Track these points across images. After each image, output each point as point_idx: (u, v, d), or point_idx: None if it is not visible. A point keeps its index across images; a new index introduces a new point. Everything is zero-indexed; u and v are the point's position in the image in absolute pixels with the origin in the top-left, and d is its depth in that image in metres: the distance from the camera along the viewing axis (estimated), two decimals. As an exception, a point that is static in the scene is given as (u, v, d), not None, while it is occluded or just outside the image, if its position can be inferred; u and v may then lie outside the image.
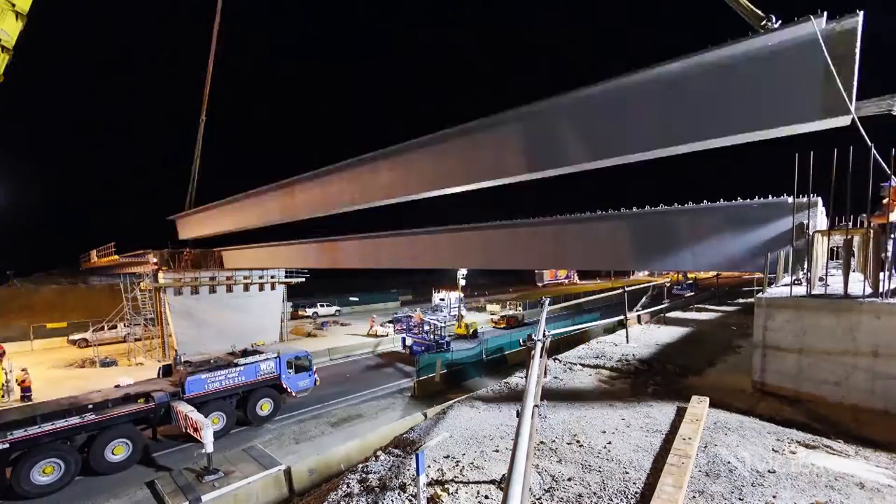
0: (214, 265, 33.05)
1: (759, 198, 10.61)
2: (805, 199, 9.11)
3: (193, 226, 29.11)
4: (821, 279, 9.46)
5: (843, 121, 6.77)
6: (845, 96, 6.47)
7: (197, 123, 32.20)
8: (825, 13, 6.67)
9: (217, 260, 33.28)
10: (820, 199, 10.76)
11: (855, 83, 6.47)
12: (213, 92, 32.17)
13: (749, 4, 8.15)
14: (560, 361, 13.52)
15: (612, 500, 5.49)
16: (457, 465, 6.77)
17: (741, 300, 31.04)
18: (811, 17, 6.80)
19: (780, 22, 7.35)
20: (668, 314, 23.88)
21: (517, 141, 10.43)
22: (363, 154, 14.44)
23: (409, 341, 28.30)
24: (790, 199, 9.36)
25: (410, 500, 5.92)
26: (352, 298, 46.70)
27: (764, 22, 7.57)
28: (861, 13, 6.81)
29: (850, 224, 11.00)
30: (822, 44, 6.57)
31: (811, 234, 9.19)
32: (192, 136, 32.31)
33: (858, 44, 6.46)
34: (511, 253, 15.73)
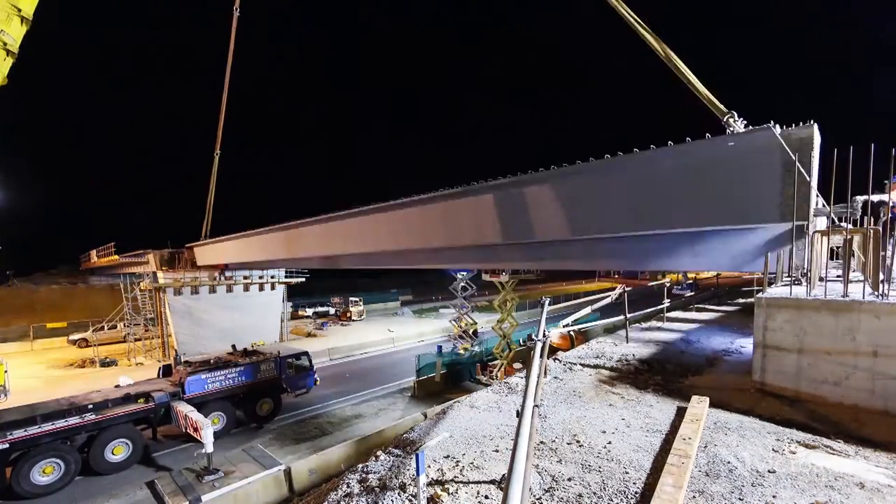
0: (185, 266, 31.87)
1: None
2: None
3: (209, 254, 29.37)
4: (821, 279, 9.46)
5: (803, 222, 7.14)
6: (798, 204, 7.21)
7: (212, 157, 32.71)
8: (780, 125, 7.39)
9: (188, 260, 32.02)
10: (820, 196, 10.72)
11: (814, 188, 6.79)
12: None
13: (714, 100, 8.96)
14: (560, 361, 13.52)
15: (612, 500, 5.49)
16: (457, 465, 6.77)
17: (741, 300, 31.04)
18: (769, 125, 7.31)
19: (743, 122, 8.06)
20: (668, 314, 23.88)
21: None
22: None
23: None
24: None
25: (410, 500, 5.92)
26: (352, 298, 46.75)
27: (727, 117, 8.38)
28: (815, 125, 7.40)
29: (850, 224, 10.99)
30: (780, 147, 7.07)
31: (811, 233, 9.18)
32: (202, 159, 33.00)
33: (816, 151, 6.88)
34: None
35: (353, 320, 42.88)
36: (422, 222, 14.29)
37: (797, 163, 7.16)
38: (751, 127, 8.33)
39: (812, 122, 7.46)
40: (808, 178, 6.96)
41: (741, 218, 8.37)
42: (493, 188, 12.44)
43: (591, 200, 10.54)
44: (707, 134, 8.14)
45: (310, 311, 45.75)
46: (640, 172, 9.37)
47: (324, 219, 17.50)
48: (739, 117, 8.85)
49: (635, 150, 10.92)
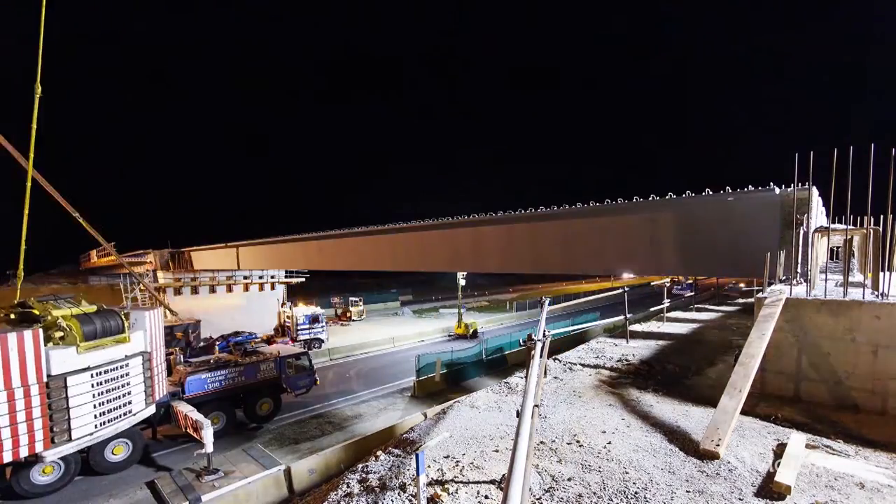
0: (184, 266, 32.29)
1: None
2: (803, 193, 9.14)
3: (206, 260, 30.21)
4: (821, 278, 9.46)
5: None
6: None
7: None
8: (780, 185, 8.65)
9: (188, 261, 32.49)
10: (816, 190, 10.62)
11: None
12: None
13: None
14: (560, 361, 13.52)
15: (612, 500, 5.49)
16: (457, 465, 6.77)
17: (741, 300, 31.05)
18: (772, 185, 8.62)
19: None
20: (668, 314, 23.87)
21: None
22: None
23: None
24: (789, 189, 9.33)
25: (410, 500, 5.92)
26: (352, 298, 46.72)
27: None
28: (814, 188, 8.01)
29: (851, 224, 10.99)
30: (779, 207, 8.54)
31: (811, 233, 9.18)
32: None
33: (815, 207, 7.95)
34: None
35: (353, 320, 42.81)
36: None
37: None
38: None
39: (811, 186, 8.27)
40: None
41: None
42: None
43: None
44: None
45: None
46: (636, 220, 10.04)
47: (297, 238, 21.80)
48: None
49: (636, 198, 11.40)
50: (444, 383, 20.47)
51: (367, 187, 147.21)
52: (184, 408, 13.88)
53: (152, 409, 13.63)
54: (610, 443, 7.13)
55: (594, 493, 5.65)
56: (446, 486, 6.10)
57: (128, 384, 12.59)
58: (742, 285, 40.55)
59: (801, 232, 9.07)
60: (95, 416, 11.72)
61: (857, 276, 10.79)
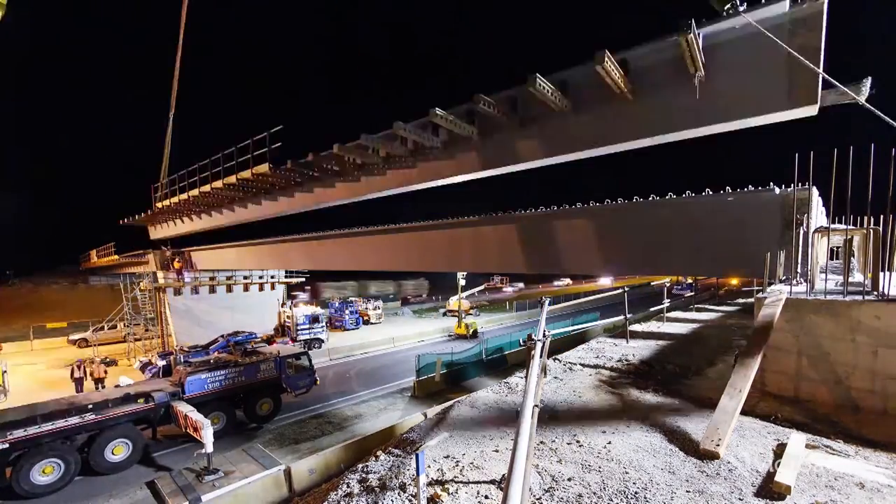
0: (187, 266, 31.81)
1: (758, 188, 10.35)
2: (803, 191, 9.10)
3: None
4: (821, 278, 9.46)
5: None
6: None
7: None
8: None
9: (188, 261, 31.90)
10: (816, 190, 10.46)
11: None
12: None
13: None
14: (560, 361, 13.52)
15: (612, 499, 5.49)
16: (457, 465, 6.77)
17: (741, 300, 31.05)
18: (772, 185, 7.02)
19: (744, 5, 7.10)
20: (668, 314, 23.87)
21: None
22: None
23: None
24: (789, 189, 9.22)
25: (410, 500, 5.92)
26: (352, 298, 46.84)
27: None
28: (814, 188, 6.91)
29: (851, 223, 10.99)
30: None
31: (811, 233, 9.18)
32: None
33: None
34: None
35: (372, 323, 41.43)
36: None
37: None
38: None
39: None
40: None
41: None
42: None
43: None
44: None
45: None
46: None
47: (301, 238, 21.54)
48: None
49: (636, 198, 11.24)
50: (444, 383, 20.47)
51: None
52: (184, 408, 13.88)
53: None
54: (610, 443, 7.13)
55: (594, 493, 5.65)
56: (446, 486, 6.10)
57: None
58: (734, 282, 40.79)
59: (802, 232, 9.07)
60: None
61: (857, 276, 10.78)
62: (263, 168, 14.36)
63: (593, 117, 8.46)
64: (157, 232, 28.28)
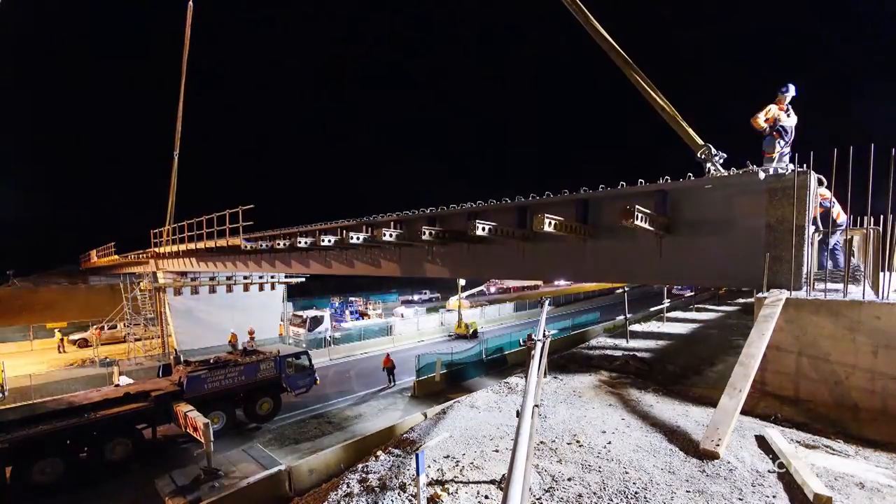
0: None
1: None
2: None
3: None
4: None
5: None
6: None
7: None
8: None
9: None
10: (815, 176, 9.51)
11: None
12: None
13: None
14: (560, 361, 13.52)
15: (612, 499, 5.49)
16: (457, 465, 6.77)
17: (741, 300, 31.05)
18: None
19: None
20: (668, 314, 23.88)
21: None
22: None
23: None
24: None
25: (410, 500, 5.92)
26: (352, 298, 46.86)
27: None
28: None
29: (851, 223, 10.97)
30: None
31: (811, 233, 9.17)
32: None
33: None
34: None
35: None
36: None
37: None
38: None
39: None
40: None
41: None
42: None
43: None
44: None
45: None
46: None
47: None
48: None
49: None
50: (444, 383, 20.48)
51: (368, 188, 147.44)
52: (184, 408, 13.88)
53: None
54: (610, 443, 7.13)
55: (594, 493, 5.64)
56: (446, 486, 6.10)
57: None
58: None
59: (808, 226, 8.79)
60: None
61: (857, 277, 10.78)
62: (236, 241, 17.55)
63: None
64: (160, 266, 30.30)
